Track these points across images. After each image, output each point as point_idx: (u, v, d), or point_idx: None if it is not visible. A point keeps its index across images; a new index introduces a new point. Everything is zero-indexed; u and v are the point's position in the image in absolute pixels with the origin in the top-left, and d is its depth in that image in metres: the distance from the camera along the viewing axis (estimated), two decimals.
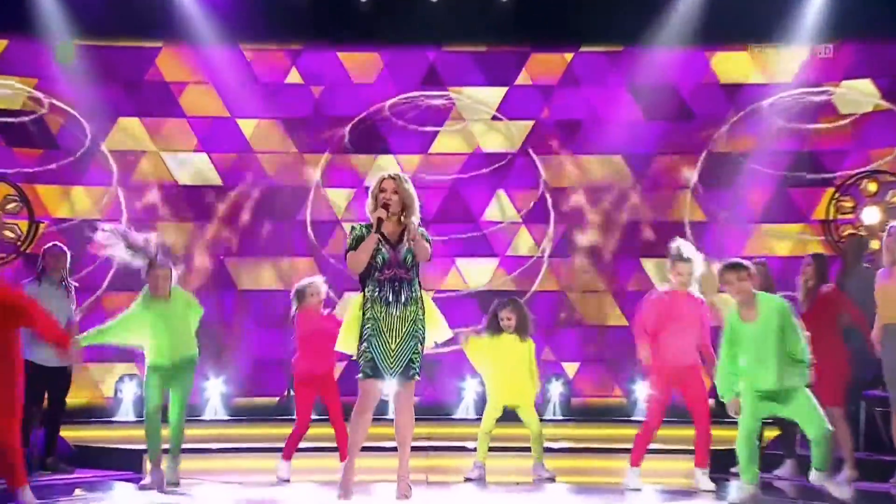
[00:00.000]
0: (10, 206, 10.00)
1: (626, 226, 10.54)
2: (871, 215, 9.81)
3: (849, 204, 10.16)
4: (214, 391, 9.89)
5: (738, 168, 10.39)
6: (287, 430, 7.51)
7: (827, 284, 7.37)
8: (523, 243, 10.63)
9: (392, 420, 5.85)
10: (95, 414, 9.51)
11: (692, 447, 7.05)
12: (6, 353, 5.53)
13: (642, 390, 8.93)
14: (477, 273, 10.58)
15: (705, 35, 10.14)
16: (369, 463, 7.13)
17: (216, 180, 10.56)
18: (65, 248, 7.75)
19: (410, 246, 5.59)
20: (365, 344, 5.57)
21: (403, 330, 5.56)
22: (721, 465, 7.34)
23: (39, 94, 10.18)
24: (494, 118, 10.68)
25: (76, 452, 8.18)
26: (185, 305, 7.09)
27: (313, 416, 7.41)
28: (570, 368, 10.41)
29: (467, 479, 7.41)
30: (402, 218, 5.65)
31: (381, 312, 5.55)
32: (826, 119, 10.28)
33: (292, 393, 8.05)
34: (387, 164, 10.26)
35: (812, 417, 6.00)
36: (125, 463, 7.93)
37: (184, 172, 10.52)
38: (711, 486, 6.84)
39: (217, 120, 10.56)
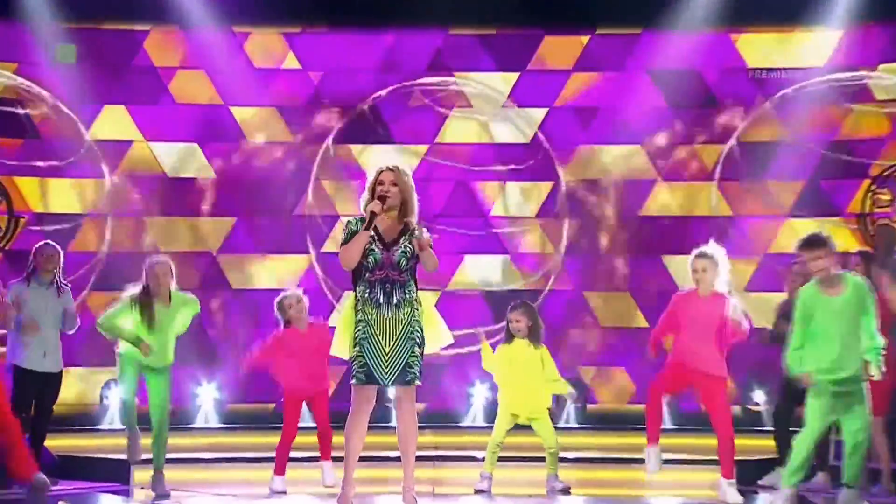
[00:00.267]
0: None
1: (646, 221, 10.51)
2: None
3: (886, 197, 10.13)
4: (206, 397, 9.91)
5: (766, 158, 10.35)
6: None
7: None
8: (536, 240, 10.60)
9: (395, 428, 5.81)
10: (79, 421, 9.51)
11: (717, 457, 7.01)
12: None
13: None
14: (486, 271, 10.55)
15: (731, 16, 10.11)
16: (371, 474, 7.12)
17: (208, 172, 10.55)
18: (57, 248, 7.75)
19: (407, 248, 5.53)
20: (357, 348, 5.52)
21: (398, 332, 5.50)
22: (750, 476, 7.29)
23: (20, 80, 10.18)
24: (505, 106, 10.65)
25: (59, 462, 8.16)
26: (180, 310, 7.25)
27: (309, 424, 7.42)
28: (587, 374, 10.38)
29: (478, 492, 7.39)
30: (401, 215, 5.60)
31: (372, 315, 5.51)
32: (861, 105, 10.23)
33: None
34: (390, 155, 10.24)
35: (862, 417, 6.05)
36: (112, 474, 7.92)
37: (174, 163, 10.51)
38: (739, 498, 6.81)
39: (209, 107, 10.55)
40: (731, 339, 6.87)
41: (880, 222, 9.72)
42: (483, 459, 7.55)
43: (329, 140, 10.61)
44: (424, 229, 5.56)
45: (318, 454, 7.55)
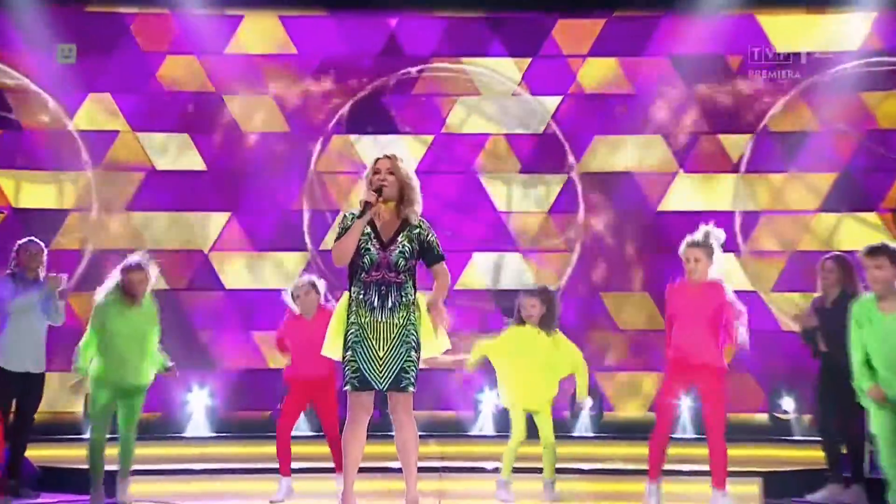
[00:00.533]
0: None
1: (666, 215, 10.48)
2: None
3: None
4: (198, 404, 9.89)
5: (795, 149, 10.32)
6: None
7: None
8: (548, 236, 10.57)
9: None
10: (62, 431, 9.48)
11: (733, 468, 6.97)
12: None
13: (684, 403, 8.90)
14: (496, 269, 10.53)
15: None
16: (374, 486, 7.08)
17: (199, 164, 10.54)
18: (41, 245, 7.75)
19: (405, 248, 5.47)
20: (349, 352, 5.48)
21: (392, 336, 5.46)
22: (787, 488, 7.22)
23: None
24: (516, 94, 10.62)
25: (41, 474, 8.14)
26: (149, 321, 7.22)
27: (311, 434, 7.38)
28: (603, 379, 10.35)
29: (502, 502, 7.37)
30: (400, 207, 5.53)
31: (365, 317, 5.47)
32: None
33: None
34: (393, 146, 10.22)
35: None
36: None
37: (162, 155, 10.50)
38: None
39: (200, 95, 10.53)
40: (731, 330, 6.84)
41: None
42: (494, 470, 7.51)
43: (328, 130, 10.60)
44: (444, 309, 5.47)
45: (318, 465, 7.52)
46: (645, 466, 6.96)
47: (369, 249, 5.47)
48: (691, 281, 6.88)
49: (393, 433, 5.51)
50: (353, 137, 10.65)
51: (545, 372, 7.39)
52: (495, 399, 9.78)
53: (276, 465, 7.43)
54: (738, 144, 10.49)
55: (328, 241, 10.33)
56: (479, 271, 10.57)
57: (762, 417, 9.91)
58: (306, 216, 10.55)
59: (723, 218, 10.19)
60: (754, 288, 10.27)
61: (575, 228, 10.55)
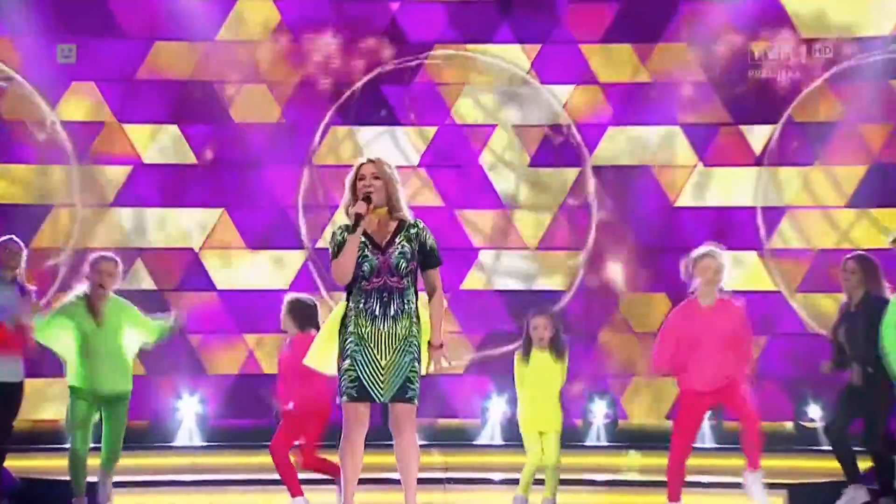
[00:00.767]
0: None
1: (684, 211, 10.44)
2: None
3: None
4: (188, 412, 9.88)
5: (822, 141, 10.29)
6: None
7: None
8: (560, 233, 10.54)
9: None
10: (42, 440, 9.47)
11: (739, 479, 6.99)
12: None
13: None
14: (504, 268, 10.49)
15: None
16: (376, 498, 7.05)
17: (189, 157, 10.51)
18: (21, 245, 7.76)
19: (405, 248, 5.46)
20: (348, 361, 5.45)
21: (394, 345, 5.45)
22: (813, 501, 7.28)
23: None
24: (525, 82, 10.58)
25: (21, 486, 8.12)
26: (121, 321, 7.20)
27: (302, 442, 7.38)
28: (618, 386, 10.31)
29: None
30: (391, 211, 5.52)
31: (365, 327, 5.45)
32: None
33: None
34: (393, 137, 10.19)
35: None
36: None
37: (150, 147, 10.47)
38: (764, 499, 6.77)
39: (190, 84, 10.51)
40: (750, 352, 6.86)
41: None
42: (502, 482, 7.51)
43: (325, 120, 10.57)
44: (446, 349, 5.52)
45: (317, 477, 7.51)
46: (662, 478, 6.95)
47: (367, 256, 5.47)
48: (701, 301, 6.84)
49: (388, 442, 5.47)
50: (351, 128, 10.62)
51: (553, 394, 7.46)
52: (503, 406, 9.77)
53: (271, 477, 7.40)
54: (760, 136, 10.45)
55: (325, 239, 10.31)
56: (485, 270, 10.54)
57: (788, 426, 9.87)
58: (303, 212, 10.53)
59: (744, 213, 10.24)
60: (778, 288, 10.22)
61: (587, 225, 10.52)
